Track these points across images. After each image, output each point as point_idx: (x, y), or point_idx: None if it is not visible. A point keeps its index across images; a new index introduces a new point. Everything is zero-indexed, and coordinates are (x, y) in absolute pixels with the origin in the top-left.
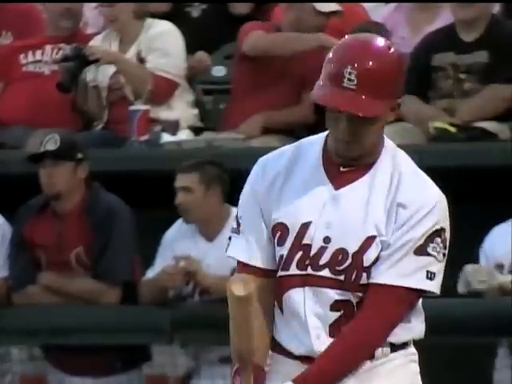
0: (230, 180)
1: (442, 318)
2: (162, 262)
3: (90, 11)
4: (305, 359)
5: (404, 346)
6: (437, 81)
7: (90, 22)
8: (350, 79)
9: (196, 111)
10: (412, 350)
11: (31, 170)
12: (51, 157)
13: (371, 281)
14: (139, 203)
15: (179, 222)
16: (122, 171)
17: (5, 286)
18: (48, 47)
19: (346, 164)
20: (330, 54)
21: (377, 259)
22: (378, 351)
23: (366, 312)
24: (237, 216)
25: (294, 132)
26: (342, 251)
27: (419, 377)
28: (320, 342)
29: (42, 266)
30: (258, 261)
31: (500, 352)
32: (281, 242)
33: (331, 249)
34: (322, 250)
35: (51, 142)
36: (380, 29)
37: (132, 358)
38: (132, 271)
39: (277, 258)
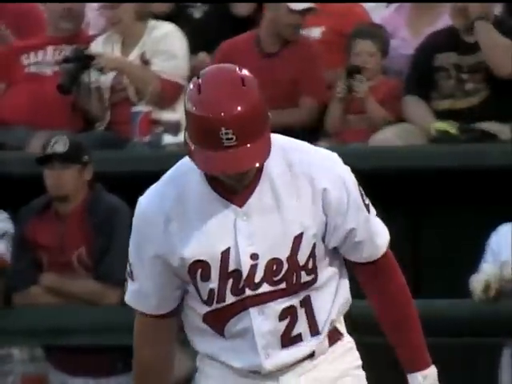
0: None
1: (447, 319)
2: None
3: (91, 12)
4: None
5: (340, 336)
6: (439, 81)
7: (91, 23)
8: (228, 138)
9: None
10: (348, 338)
11: (33, 171)
12: (60, 159)
13: (365, 261)
14: None
15: None
16: (124, 172)
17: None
18: (50, 48)
19: None
20: (191, 116)
21: (310, 254)
22: (318, 350)
23: (384, 280)
24: (129, 261)
25: (293, 133)
26: (275, 260)
27: (360, 361)
28: (270, 359)
29: (44, 267)
30: (153, 309)
31: (506, 352)
32: (205, 278)
33: (262, 263)
34: (253, 268)
35: (60, 144)
36: (379, 30)
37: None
38: None
39: (204, 294)
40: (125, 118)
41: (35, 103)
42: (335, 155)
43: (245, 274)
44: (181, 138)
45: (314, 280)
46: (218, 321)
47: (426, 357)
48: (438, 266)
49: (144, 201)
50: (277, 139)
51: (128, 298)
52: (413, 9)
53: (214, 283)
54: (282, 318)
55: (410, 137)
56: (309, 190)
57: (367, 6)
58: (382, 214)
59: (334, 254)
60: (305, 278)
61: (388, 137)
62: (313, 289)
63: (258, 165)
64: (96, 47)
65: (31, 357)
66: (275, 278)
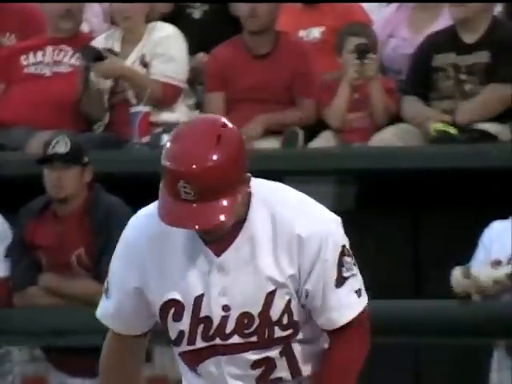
0: None
1: (438, 320)
2: None
3: (91, 13)
4: None
5: None
6: (437, 82)
7: (96, 28)
8: (186, 192)
9: (197, 113)
10: None
11: (32, 172)
12: (61, 160)
13: (326, 329)
14: (140, 205)
15: None
16: (123, 173)
17: (4, 286)
18: (49, 48)
19: None
20: (164, 158)
21: (285, 310)
22: None
23: (336, 352)
24: (108, 278)
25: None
26: (247, 314)
27: None
28: None
29: (43, 268)
30: (124, 329)
31: (496, 354)
32: (177, 318)
33: (233, 316)
34: (224, 319)
35: (61, 145)
36: (369, 29)
37: None
38: None
39: (173, 334)
40: (124, 118)
41: (34, 104)
42: (332, 216)
43: (215, 323)
44: None
45: (293, 334)
46: (190, 360)
47: None
48: (437, 266)
49: (137, 221)
50: (263, 189)
51: (99, 314)
52: (414, 8)
53: (184, 325)
54: (255, 367)
55: (409, 137)
56: (288, 247)
57: (368, 5)
58: (381, 215)
59: None
60: (279, 333)
61: (387, 137)
62: (295, 341)
63: (223, 223)
64: (96, 46)
65: (31, 357)
66: (246, 331)
